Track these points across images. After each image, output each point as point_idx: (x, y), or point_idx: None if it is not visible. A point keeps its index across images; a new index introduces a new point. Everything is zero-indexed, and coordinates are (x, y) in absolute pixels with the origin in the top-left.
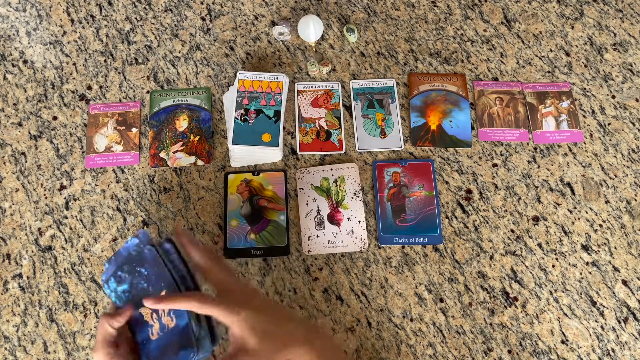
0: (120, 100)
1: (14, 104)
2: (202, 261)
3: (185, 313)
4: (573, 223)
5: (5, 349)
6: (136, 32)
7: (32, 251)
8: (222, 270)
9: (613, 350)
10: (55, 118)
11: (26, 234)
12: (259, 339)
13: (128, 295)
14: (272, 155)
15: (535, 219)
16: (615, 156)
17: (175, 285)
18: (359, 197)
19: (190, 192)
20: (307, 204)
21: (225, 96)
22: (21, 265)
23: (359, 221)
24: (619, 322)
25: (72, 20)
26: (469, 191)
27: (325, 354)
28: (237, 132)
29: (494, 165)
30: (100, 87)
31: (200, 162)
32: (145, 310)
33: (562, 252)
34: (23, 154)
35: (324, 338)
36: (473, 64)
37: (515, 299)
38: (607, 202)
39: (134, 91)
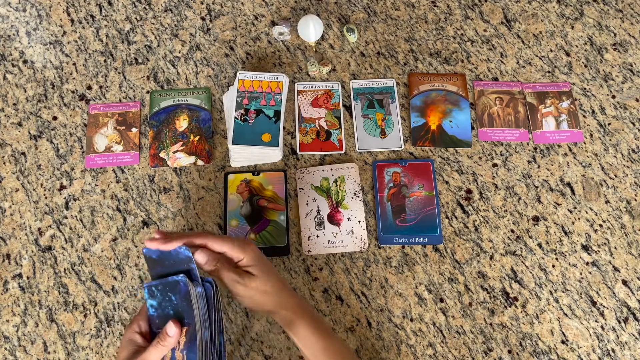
0: (120, 100)
1: (14, 104)
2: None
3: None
4: (573, 223)
5: (5, 349)
6: (136, 32)
7: (32, 251)
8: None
9: (613, 350)
10: (55, 118)
11: (26, 234)
12: (265, 269)
13: (154, 311)
14: (272, 155)
15: (535, 219)
16: (615, 156)
17: (194, 326)
18: (359, 197)
19: (190, 192)
20: (307, 204)
21: (225, 96)
22: (21, 265)
23: (359, 221)
24: (619, 322)
25: (72, 20)
26: (469, 191)
27: (312, 315)
28: (237, 132)
29: (494, 165)
30: (100, 87)
31: (200, 162)
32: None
33: (562, 252)
34: (23, 154)
35: (309, 304)
36: (473, 64)
37: (515, 299)
38: (607, 202)
39: (134, 91)
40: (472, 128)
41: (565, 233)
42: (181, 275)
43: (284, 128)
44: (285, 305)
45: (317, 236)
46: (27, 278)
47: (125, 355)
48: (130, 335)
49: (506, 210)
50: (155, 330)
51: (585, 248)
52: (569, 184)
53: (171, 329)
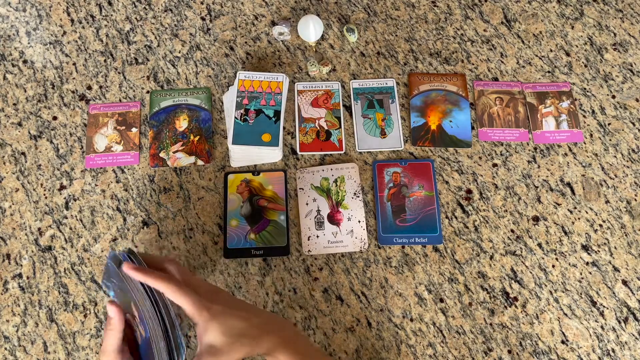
0: (120, 100)
1: (14, 104)
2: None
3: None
4: (573, 223)
5: (5, 349)
6: (136, 32)
7: (32, 251)
8: (187, 274)
9: (613, 351)
10: (55, 118)
11: (26, 234)
12: (228, 336)
13: (118, 300)
14: (272, 155)
15: (535, 219)
16: (615, 156)
17: (135, 298)
18: (359, 197)
19: (190, 192)
20: (307, 204)
21: (225, 96)
22: (21, 265)
23: (359, 221)
24: (619, 322)
25: (72, 20)
26: (469, 191)
27: (295, 345)
28: (237, 132)
29: (494, 165)
30: (100, 87)
31: (200, 162)
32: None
33: (562, 252)
34: (23, 154)
35: (292, 329)
36: (473, 64)
37: (515, 299)
38: (607, 202)
39: (134, 91)
40: (472, 128)
41: (565, 233)
42: (109, 260)
43: (284, 128)
44: (264, 347)
45: (317, 236)
46: (27, 278)
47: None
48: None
49: (506, 210)
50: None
51: (585, 248)
52: (569, 184)
53: (109, 310)
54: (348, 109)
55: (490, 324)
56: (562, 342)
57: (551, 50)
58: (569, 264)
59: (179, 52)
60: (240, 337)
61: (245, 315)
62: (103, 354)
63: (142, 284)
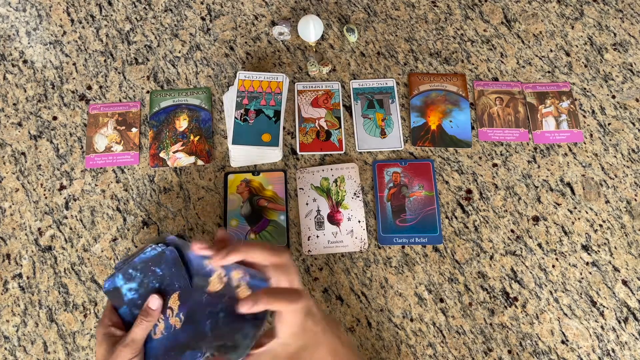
0: (120, 100)
1: (14, 104)
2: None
3: (199, 316)
4: (573, 223)
5: (5, 349)
6: (136, 32)
7: (32, 251)
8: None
9: (613, 351)
10: (55, 118)
11: (26, 234)
12: (300, 336)
13: (134, 293)
14: (272, 155)
15: (535, 219)
16: (615, 156)
17: (189, 286)
18: (359, 197)
19: (190, 192)
20: (307, 204)
21: (225, 96)
22: (21, 265)
23: (359, 221)
24: (619, 322)
25: (72, 20)
26: (469, 191)
27: (340, 355)
28: (237, 132)
29: (494, 165)
30: (100, 87)
31: (200, 162)
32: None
33: (562, 252)
34: (23, 154)
35: (347, 344)
36: (473, 64)
37: (515, 299)
38: (607, 202)
39: (134, 91)
40: (472, 128)
41: (565, 233)
42: (160, 245)
43: (284, 128)
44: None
45: (317, 236)
46: (27, 278)
47: (104, 350)
48: (105, 330)
49: (506, 210)
50: (134, 314)
51: (585, 248)
52: (569, 184)
53: (154, 302)
54: (348, 109)
55: (490, 324)
56: (562, 342)
57: (551, 50)
58: (569, 264)
59: (179, 52)
60: (307, 338)
61: (317, 330)
62: (132, 343)
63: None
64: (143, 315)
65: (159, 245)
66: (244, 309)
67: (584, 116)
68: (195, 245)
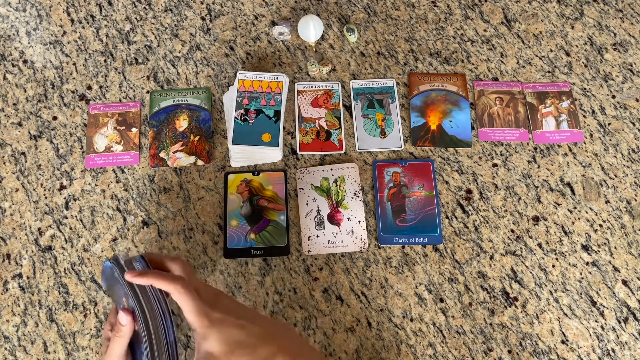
0: (120, 100)
1: (14, 104)
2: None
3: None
4: (573, 223)
5: (5, 349)
6: (136, 32)
7: (32, 251)
8: (191, 274)
9: (613, 350)
10: (55, 118)
11: (26, 234)
12: (226, 345)
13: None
14: (272, 155)
15: (535, 219)
16: (615, 156)
17: (126, 300)
18: (359, 197)
19: (190, 192)
20: (307, 204)
21: (225, 96)
22: (21, 265)
23: (359, 221)
24: (619, 322)
25: (72, 20)
26: (469, 191)
27: (294, 353)
28: (237, 132)
29: (494, 165)
30: (100, 87)
31: (200, 162)
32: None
33: (562, 252)
34: (23, 154)
35: (292, 337)
36: (473, 64)
37: (515, 299)
38: (607, 202)
39: (134, 91)
40: (472, 128)
41: (565, 233)
42: (106, 262)
43: (284, 128)
44: None
45: (317, 236)
46: (27, 278)
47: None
48: (105, 334)
49: (506, 210)
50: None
51: (585, 248)
52: (569, 184)
53: (122, 318)
54: (348, 109)
55: (490, 324)
56: (562, 342)
57: (551, 50)
58: (569, 264)
59: (179, 52)
60: (238, 346)
61: (244, 323)
62: (109, 356)
63: (130, 284)
64: (115, 330)
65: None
66: (129, 275)
67: (584, 116)
68: (127, 274)
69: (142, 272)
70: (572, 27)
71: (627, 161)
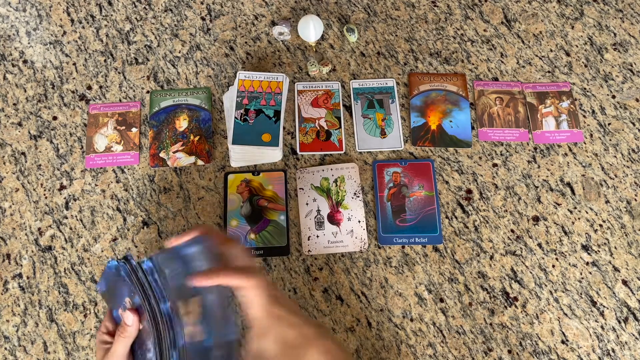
0: (120, 100)
1: (14, 104)
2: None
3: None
4: (573, 223)
5: (5, 349)
6: (136, 32)
7: (32, 251)
8: (249, 258)
9: (613, 350)
10: (55, 118)
11: (26, 234)
12: (281, 345)
13: (116, 312)
14: (272, 155)
15: (535, 219)
16: (615, 156)
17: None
18: (359, 197)
19: (190, 192)
20: (307, 204)
21: (225, 96)
22: (21, 265)
23: (359, 221)
24: (619, 322)
25: (72, 20)
26: (469, 191)
27: (334, 355)
28: (237, 132)
29: (494, 165)
30: (100, 87)
31: (200, 162)
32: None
33: (562, 252)
34: (23, 154)
35: (330, 337)
36: (473, 64)
37: (515, 299)
38: (607, 202)
39: (134, 91)
40: (472, 128)
41: (565, 233)
42: (111, 261)
43: (284, 128)
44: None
45: (317, 236)
46: (27, 278)
47: (100, 356)
48: (100, 337)
49: (506, 210)
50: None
51: (585, 248)
52: (569, 184)
53: (128, 318)
54: (348, 109)
55: (490, 324)
56: (562, 342)
57: (551, 50)
58: (569, 264)
59: (179, 52)
60: (290, 347)
61: (297, 322)
62: (111, 356)
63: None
64: (120, 330)
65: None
66: (198, 283)
67: (584, 116)
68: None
69: (212, 272)
70: (572, 27)
71: (627, 161)
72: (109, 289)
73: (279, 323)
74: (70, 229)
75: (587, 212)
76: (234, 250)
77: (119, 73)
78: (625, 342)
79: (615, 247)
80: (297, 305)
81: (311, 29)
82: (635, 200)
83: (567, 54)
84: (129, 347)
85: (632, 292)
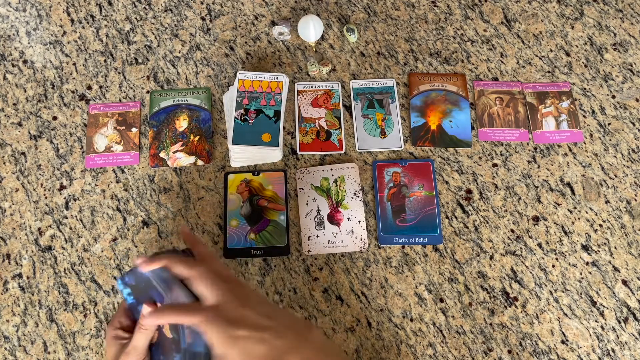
0: (120, 100)
1: (14, 104)
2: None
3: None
4: (573, 223)
5: (5, 349)
6: (136, 32)
7: (32, 251)
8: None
9: (613, 350)
10: (55, 118)
11: (26, 234)
12: (234, 344)
13: (132, 298)
14: (272, 155)
15: (535, 219)
16: (615, 156)
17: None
18: (359, 197)
19: (190, 192)
20: (307, 204)
21: (225, 96)
22: (21, 265)
23: (359, 221)
24: (619, 322)
25: (72, 20)
26: (469, 191)
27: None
28: (237, 132)
29: (494, 165)
30: (100, 87)
31: (200, 162)
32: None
33: (562, 252)
34: (23, 154)
35: (314, 341)
36: (473, 64)
37: (515, 299)
38: (607, 202)
39: (134, 91)
40: (472, 128)
41: (565, 233)
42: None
43: (284, 128)
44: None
45: (317, 236)
46: (27, 278)
47: (114, 352)
48: (113, 332)
49: (506, 210)
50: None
51: (585, 248)
52: (569, 184)
53: (146, 310)
54: (348, 109)
55: (490, 324)
56: (562, 342)
57: (551, 50)
58: (569, 264)
59: (179, 52)
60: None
61: (267, 337)
62: (134, 350)
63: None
64: (140, 324)
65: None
66: (145, 322)
67: (584, 116)
68: (137, 260)
69: (159, 312)
70: (572, 27)
71: (627, 161)
72: (137, 285)
73: (244, 344)
74: (70, 229)
75: (587, 212)
76: (191, 273)
77: (119, 73)
78: (625, 342)
79: (615, 247)
80: (271, 306)
81: (311, 29)
82: (635, 200)
83: (567, 54)
84: (148, 342)
85: (632, 292)
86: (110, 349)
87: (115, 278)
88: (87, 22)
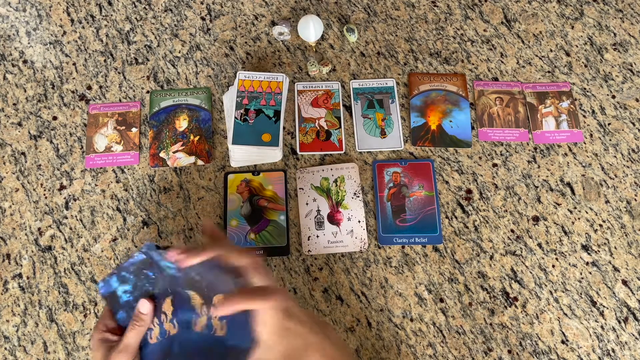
0: (120, 100)
1: (14, 104)
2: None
3: (190, 324)
4: (573, 223)
5: (5, 349)
6: (136, 32)
7: (32, 251)
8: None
9: (613, 350)
10: (55, 118)
11: (26, 234)
12: (283, 337)
13: (129, 295)
14: (272, 155)
15: (535, 219)
16: (615, 156)
17: (180, 290)
18: (359, 197)
19: (190, 192)
20: (307, 204)
21: (225, 96)
22: (21, 265)
23: (359, 221)
24: (619, 322)
25: (72, 20)
26: (469, 191)
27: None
28: (237, 132)
29: (494, 165)
30: (100, 87)
31: (200, 162)
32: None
33: (562, 252)
34: (23, 154)
35: (332, 339)
36: (473, 64)
37: (515, 299)
38: (607, 202)
39: (134, 91)
40: (472, 128)
41: (565, 233)
42: (144, 248)
43: (284, 128)
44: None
45: (317, 236)
46: (27, 278)
47: (101, 355)
48: (99, 336)
49: (506, 210)
50: (127, 319)
51: (585, 248)
52: (569, 184)
53: (144, 306)
54: (348, 109)
55: (490, 324)
56: (562, 342)
57: (551, 50)
58: (569, 264)
59: (179, 52)
60: (293, 357)
61: (304, 331)
62: (125, 349)
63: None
64: (135, 320)
65: (147, 251)
66: (220, 312)
67: (584, 116)
68: (169, 253)
69: (230, 299)
70: (572, 27)
71: (627, 161)
72: (135, 282)
73: (287, 335)
74: (70, 229)
75: (587, 212)
76: (246, 262)
77: (119, 73)
78: (625, 342)
79: (615, 247)
80: (307, 312)
81: (311, 29)
82: (635, 200)
83: (567, 54)
84: (141, 338)
85: (632, 292)
86: (96, 353)
87: (100, 281)
88: (87, 22)
